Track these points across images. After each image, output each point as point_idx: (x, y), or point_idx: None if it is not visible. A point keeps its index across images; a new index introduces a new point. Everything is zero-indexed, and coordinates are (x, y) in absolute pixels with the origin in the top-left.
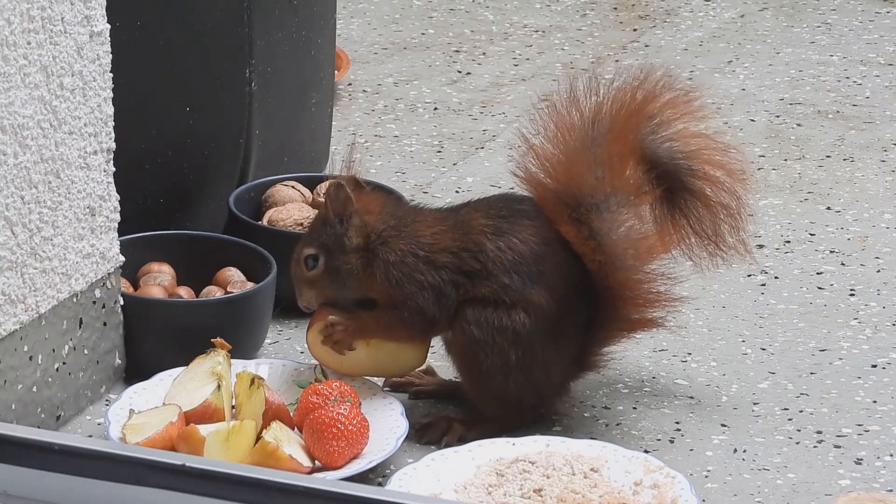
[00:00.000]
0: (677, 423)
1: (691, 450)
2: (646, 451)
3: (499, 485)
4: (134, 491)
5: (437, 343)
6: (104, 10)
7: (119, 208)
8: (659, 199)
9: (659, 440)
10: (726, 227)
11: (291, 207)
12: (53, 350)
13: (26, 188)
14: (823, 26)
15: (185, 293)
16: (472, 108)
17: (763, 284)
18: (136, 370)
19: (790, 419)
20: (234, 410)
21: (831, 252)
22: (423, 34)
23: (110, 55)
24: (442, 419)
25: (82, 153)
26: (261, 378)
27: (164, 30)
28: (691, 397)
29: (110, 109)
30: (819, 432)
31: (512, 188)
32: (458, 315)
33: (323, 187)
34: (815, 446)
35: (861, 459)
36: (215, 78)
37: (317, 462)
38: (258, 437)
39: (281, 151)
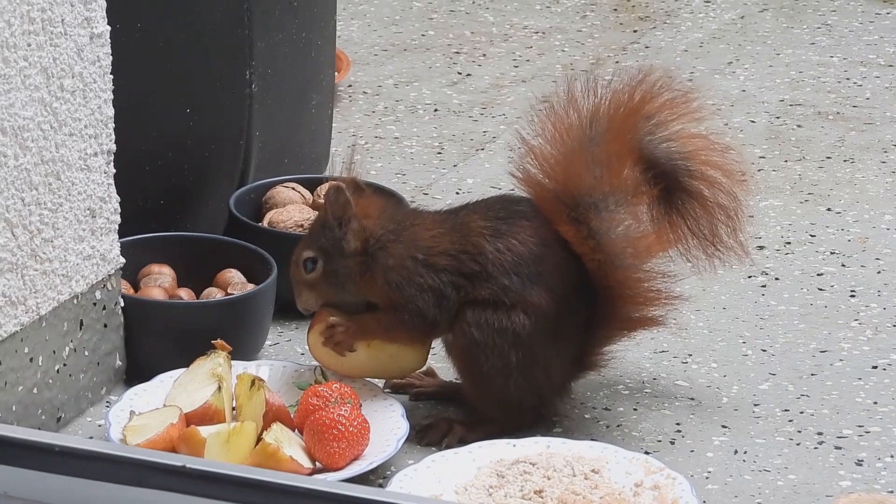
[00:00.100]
0: (678, 424)
1: (692, 451)
2: (646, 453)
3: (499, 486)
4: (134, 492)
5: (437, 345)
6: (104, 11)
7: (119, 210)
8: (656, 198)
9: (660, 441)
10: (724, 228)
11: (292, 209)
12: (54, 352)
13: (27, 190)
14: (823, 27)
15: (185, 295)
16: (472, 110)
17: (764, 286)
18: (137, 372)
19: (791, 420)
20: (234, 412)
21: (832, 253)
22: (423, 36)
23: (110, 57)
24: (443, 420)
25: (83, 155)
26: (261, 379)
27: (164, 31)
28: (692, 398)
29: (110, 111)
30: (820, 433)
31: (512, 189)
32: (459, 317)
33: (323, 189)
34: (815, 447)
35: (862, 460)
36: (215, 79)
37: (317, 463)
38: (259, 439)
39: (281, 153)
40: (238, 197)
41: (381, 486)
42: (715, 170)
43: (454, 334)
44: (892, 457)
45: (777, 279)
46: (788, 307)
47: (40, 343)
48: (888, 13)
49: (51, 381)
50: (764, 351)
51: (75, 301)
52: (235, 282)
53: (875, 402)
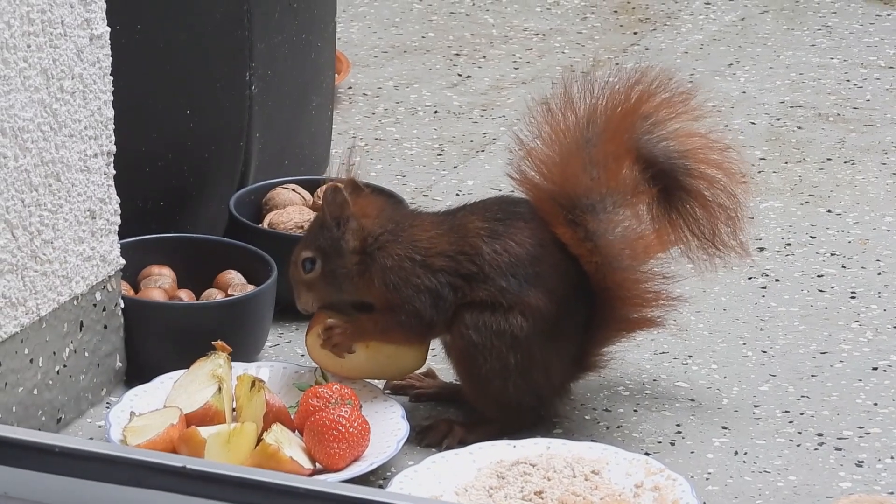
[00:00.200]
0: (678, 425)
1: (692, 452)
2: (647, 454)
3: (499, 487)
4: (135, 493)
5: (437, 345)
6: (104, 13)
7: (119, 211)
8: (655, 198)
9: (660, 442)
10: (724, 228)
11: (292, 210)
12: (54, 353)
13: (27, 191)
14: (824, 29)
15: (185, 296)
16: (472, 112)
17: (764, 287)
18: (137, 373)
19: (791, 422)
20: (234, 413)
21: (832, 255)
22: (423, 37)
23: (110, 58)
24: (443, 422)
25: (83, 156)
26: (261, 381)
27: (164, 32)
28: (692, 400)
29: (110, 112)
30: (820, 435)
31: (511, 191)
32: (457, 319)
33: (323, 190)
34: (815, 449)
35: (862, 462)
36: (215, 81)
37: (317, 464)
38: (259, 440)
39: (281, 154)
40: (238, 198)
41: (381, 486)
42: (714, 168)
43: (452, 336)
44: (892, 458)
45: (777, 280)
46: (789, 308)
47: (40, 344)
48: (888, 15)
49: (51, 382)
50: (764, 352)
51: (75, 302)
52: (235, 283)
53: (875, 404)
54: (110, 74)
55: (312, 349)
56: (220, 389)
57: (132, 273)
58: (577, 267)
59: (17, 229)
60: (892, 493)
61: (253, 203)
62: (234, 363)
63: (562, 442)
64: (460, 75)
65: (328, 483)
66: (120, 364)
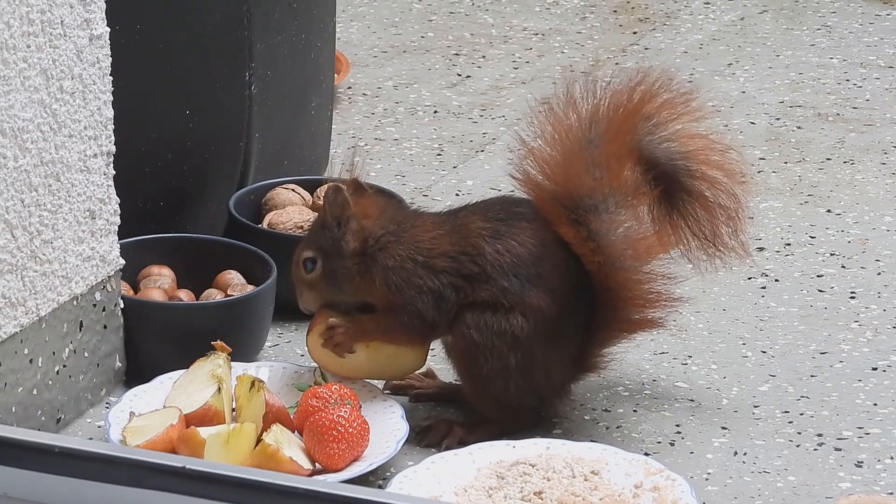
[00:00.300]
0: (678, 425)
1: (692, 452)
2: (646, 454)
3: (499, 487)
4: (134, 493)
5: (437, 346)
6: (104, 13)
7: (119, 211)
8: (657, 199)
9: (659, 443)
10: (725, 229)
11: (291, 210)
12: (54, 353)
13: (26, 191)
14: (823, 29)
15: (185, 296)
16: (471, 112)
17: (763, 287)
18: (137, 373)
19: (791, 422)
20: (234, 413)
21: (832, 255)
22: (422, 37)
23: (110, 58)
24: (442, 422)
25: (82, 156)
26: (261, 381)
27: (163, 33)
28: (692, 400)
29: (110, 112)
30: (819, 435)
31: (511, 191)
32: (458, 319)
33: (323, 190)
34: (815, 449)
35: (861, 462)
36: (215, 81)
37: (317, 464)
38: (258, 440)
39: (281, 154)
40: (238, 198)
41: (380, 487)
42: (715, 169)
43: (454, 336)
44: (891, 458)
45: (777, 281)
46: (788, 309)
47: (40, 344)
48: (888, 14)
49: (50, 382)
50: (764, 352)
51: (75, 302)
52: (235, 283)
53: (875, 404)
54: (110, 75)
55: (313, 349)
56: (219, 390)
57: (132, 273)
58: (578, 267)
59: (17, 229)
60: (891, 493)
61: (253, 203)
62: (233, 363)
63: (561, 442)
64: (460, 75)
65: (328, 483)
66: (119, 364)
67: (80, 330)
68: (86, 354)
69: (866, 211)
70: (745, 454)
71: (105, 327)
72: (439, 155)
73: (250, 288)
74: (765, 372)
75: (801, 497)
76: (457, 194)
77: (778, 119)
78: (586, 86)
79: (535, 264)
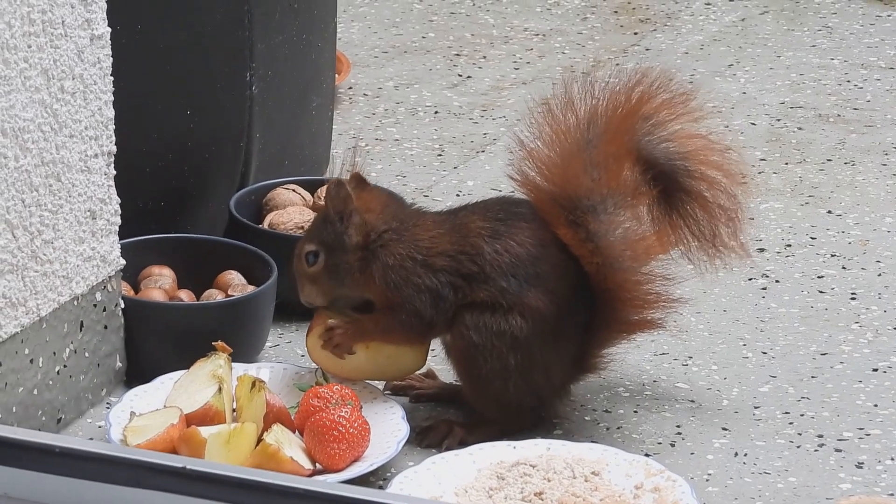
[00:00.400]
0: (678, 426)
1: (692, 453)
2: (647, 455)
3: (499, 488)
4: (134, 493)
5: (437, 346)
6: (105, 13)
7: (120, 211)
8: (656, 200)
9: (660, 444)
10: (724, 229)
11: (292, 211)
12: (54, 353)
13: (27, 191)
14: (824, 30)
15: (185, 296)
16: (472, 112)
17: (764, 288)
18: (137, 373)
19: (791, 423)
20: (234, 413)
21: (832, 256)
22: (423, 38)
23: (111, 58)
24: (443, 422)
25: (83, 156)
26: (262, 381)
27: (164, 33)
28: (692, 401)
29: (111, 112)
30: (820, 436)
31: (511, 191)
32: (457, 320)
33: (323, 190)
34: (816, 450)
35: (862, 463)
36: (216, 81)
37: (318, 465)
38: (259, 440)
39: (281, 155)
40: (238, 198)
41: (381, 487)
42: (714, 170)
43: (453, 337)
44: (892, 459)
45: (777, 282)
46: (789, 310)
47: (40, 344)
48: (889, 15)
49: (51, 382)
50: (764, 353)
51: (76, 302)
52: (236, 283)
53: (875, 405)
54: (111, 75)
55: (313, 350)
56: (220, 390)
57: (132, 273)
58: (577, 267)
59: (18, 229)
60: (892, 494)
61: (253, 203)
62: (234, 364)
63: (562, 443)
64: (460, 76)
65: (328, 484)
66: (120, 364)
67: (81, 330)
68: (86, 354)
69: (867, 212)
70: (745, 455)
71: (106, 327)
72: (440, 155)
73: (251, 288)
74: (765, 373)
75: (802, 498)
76: (457, 195)
77: (779, 120)
78: (584, 86)
79: (534, 264)
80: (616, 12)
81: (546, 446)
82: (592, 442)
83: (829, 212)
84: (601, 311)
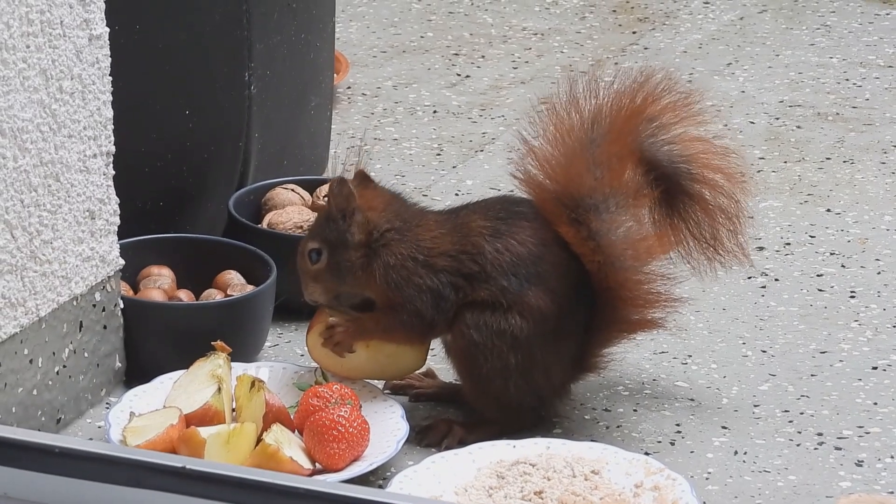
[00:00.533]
0: (678, 425)
1: (692, 452)
2: (646, 454)
3: (499, 487)
4: (134, 493)
5: (437, 346)
6: (103, 13)
7: (119, 211)
8: (658, 201)
9: (659, 442)
10: (725, 232)
11: (291, 210)
12: (53, 353)
13: (26, 191)
14: (823, 28)
15: (184, 296)
16: (471, 111)
17: (763, 287)
18: (137, 373)
19: (791, 421)
20: (234, 413)
21: (831, 254)
22: (422, 37)
23: (109, 58)
24: (442, 422)
25: (82, 156)
26: (261, 381)
27: (163, 33)
28: (692, 399)
29: (110, 113)
30: (820, 434)
31: (511, 191)
32: (458, 319)
33: (323, 190)
34: (815, 448)
35: (862, 461)
36: (214, 81)
37: (317, 464)
38: (259, 440)
39: (280, 154)
40: (237, 198)
41: (380, 486)
42: (716, 173)
43: (453, 336)
44: (892, 457)
45: (777, 280)
46: (788, 308)
47: (40, 345)
48: (887, 14)
49: (50, 382)
50: (764, 352)
51: (75, 303)
52: (235, 283)
53: (875, 403)
54: (109, 75)
55: (313, 349)
56: (219, 389)
57: (132, 273)
58: (578, 267)
59: (17, 230)
60: (892, 492)
61: (252, 203)
62: (233, 363)
63: (561, 442)
64: (459, 75)
65: (328, 483)
66: (119, 364)
67: (80, 330)
68: (86, 355)
69: (866, 210)
70: (745, 453)
71: (105, 327)
72: (439, 155)
73: (250, 288)
74: (765, 371)
75: (802, 496)
76: (456, 194)
77: (777, 118)
78: (589, 85)
79: (535, 263)
80: (614, 11)
81: (546, 445)
82: (592, 441)
83: (829, 210)
84: (602, 311)
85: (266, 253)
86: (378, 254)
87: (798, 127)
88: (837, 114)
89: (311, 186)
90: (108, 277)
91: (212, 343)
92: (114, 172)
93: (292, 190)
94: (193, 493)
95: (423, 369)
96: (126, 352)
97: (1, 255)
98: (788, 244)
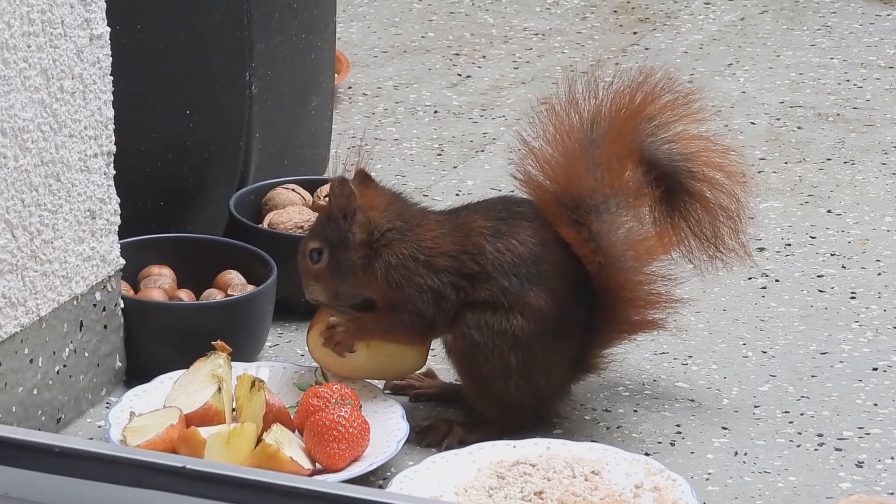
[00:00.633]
0: (678, 425)
1: (692, 452)
2: (647, 454)
3: (499, 487)
4: (134, 493)
5: (437, 346)
6: (104, 13)
7: (119, 211)
8: (658, 200)
9: (660, 443)
10: (726, 230)
11: (291, 210)
12: (54, 353)
13: (27, 191)
14: (823, 29)
15: (185, 296)
16: (472, 112)
17: (764, 287)
18: (137, 373)
19: (791, 422)
20: (234, 413)
21: (832, 255)
22: (422, 37)
23: (110, 58)
24: (442, 422)
25: (82, 156)
26: (261, 381)
27: (163, 33)
28: (692, 400)
29: (110, 112)
30: (820, 435)
31: (512, 191)
32: (458, 319)
33: (323, 190)
34: (815, 449)
35: (862, 462)
36: (215, 81)
37: (317, 464)
38: (259, 440)
39: (281, 154)
40: (238, 198)
41: (381, 487)
42: (716, 171)
43: (454, 336)
44: (892, 458)
45: (777, 281)
46: (788, 309)
47: (40, 344)
48: (888, 15)
49: (51, 382)
50: (764, 352)
51: (75, 302)
52: (235, 283)
53: (875, 404)
54: (110, 74)
55: (314, 348)
56: (219, 389)
57: (132, 273)
58: (579, 267)
59: (17, 229)
60: (892, 493)
61: (253, 203)
62: (233, 363)
63: (562, 442)
64: (460, 75)
65: (328, 483)
66: (120, 364)
67: (81, 330)
68: (86, 354)
69: (867, 211)
70: (745, 454)
71: (105, 327)
72: (439, 155)
73: (250, 288)
74: (765, 372)
75: (802, 497)
76: (457, 194)
77: (778, 119)
78: (588, 86)
79: (536, 263)
80: (615, 12)
81: (546, 445)
82: (592, 441)
83: (829, 211)
84: (602, 311)
85: (266, 253)
86: (379, 253)
87: (799, 128)
88: (838, 114)
89: (311, 186)
90: (109, 277)
91: (212, 343)
92: (114, 172)
93: (293, 190)
94: (193, 493)
95: (423, 369)
96: (126, 351)
97: (1, 255)
98: (789, 245)
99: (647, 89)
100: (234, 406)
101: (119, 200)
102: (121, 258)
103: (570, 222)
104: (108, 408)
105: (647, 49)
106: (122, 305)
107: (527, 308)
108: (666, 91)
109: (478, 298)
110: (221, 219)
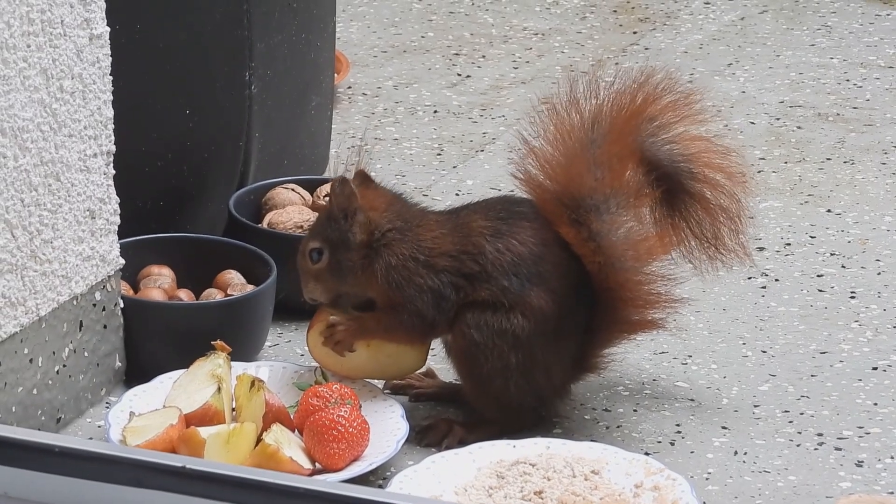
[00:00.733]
0: (678, 425)
1: (692, 452)
2: (646, 454)
3: (499, 487)
4: (134, 493)
5: (437, 345)
6: (104, 12)
7: (119, 211)
8: (658, 201)
9: (659, 442)
10: (726, 231)
11: (291, 210)
12: (53, 353)
13: (26, 191)
14: (823, 29)
15: (185, 296)
16: (471, 111)
17: (764, 287)
18: (137, 373)
19: (791, 421)
20: (234, 413)
21: (832, 254)
22: (422, 37)
23: (110, 58)
24: (442, 421)
25: (82, 156)
26: (261, 380)
27: (163, 32)
28: (692, 399)
29: (110, 112)
30: (820, 434)
31: (512, 191)
32: (458, 318)
33: (323, 190)
34: (815, 449)
35: (862, 462)
36: (215, 81)
37: (317, 464)
38: (258, 440)
39: (281, 154)
40: (238, 198)
41: (380, 486)
42: (717, 172)
43: (454, 336)
44: (892, 458)
45: (777, 280)
46: (788, 308)
47: (40, 344)
48: (888, 14)
49: (50, 382)
50: (764, 352)
51: (75, 302)
52: (235, 283)
53: (875, 404)
54: (110, 74)
55: (314, 347)
56: (219, 389)
57: (132, 273)
58: (578, 266)
59: (17, 229)
60: (892, 492)
61: (252, 203)
62: (233, 363)
63: (561, 442)
64: (460, 75)
65: (328, 483)
66: (119, 364)
67: (80, 330)
68: (86, 354)
69: (866, 211)
70: (745, 454)
71: (105, 327)
72: (439, 155)
73: (250, 288)
74: (765, 371)
75: (802, 497)
76: (457, 194)
77: (778, 119)
78: (589, 86)
79: (536, 263)
80: (615, 11)
81: (546, 445)
82: (592, 441)
83: (829, 211)
84: (602, 311)
85: (266, 253)
86: (379, 254)
87: (798, 127)
88: (838, 114)
89: (311, 186)
90: (109, 277)
91: (212, 343)
92: (114, 172)
93: (293, 190)
94: (193, 492)
95: (423, 369)
96: (126, 351)
97: (1, 255)
98: (789, 244)
99: (648, 90)
100: (233, 406)
101: (119, 200)
102: (120, 258)
103: (570, 222)
104: (107, 408)
105: (646, 49)
106: (122, 305)
107: (527, 308)
108: (667, 91)
109: (478, 298)
110: (221, 219)
